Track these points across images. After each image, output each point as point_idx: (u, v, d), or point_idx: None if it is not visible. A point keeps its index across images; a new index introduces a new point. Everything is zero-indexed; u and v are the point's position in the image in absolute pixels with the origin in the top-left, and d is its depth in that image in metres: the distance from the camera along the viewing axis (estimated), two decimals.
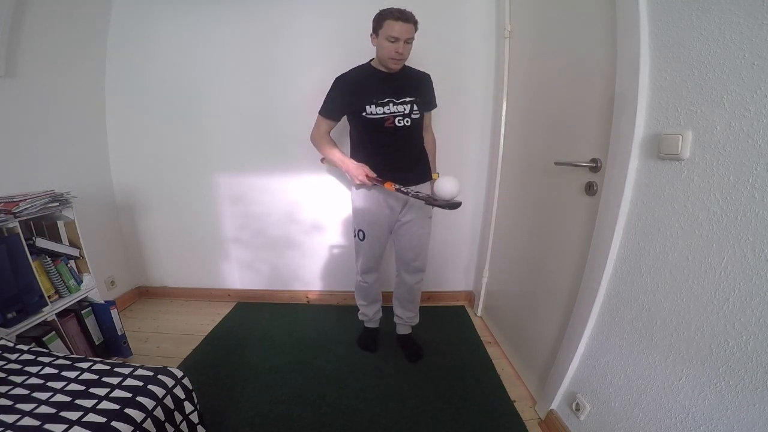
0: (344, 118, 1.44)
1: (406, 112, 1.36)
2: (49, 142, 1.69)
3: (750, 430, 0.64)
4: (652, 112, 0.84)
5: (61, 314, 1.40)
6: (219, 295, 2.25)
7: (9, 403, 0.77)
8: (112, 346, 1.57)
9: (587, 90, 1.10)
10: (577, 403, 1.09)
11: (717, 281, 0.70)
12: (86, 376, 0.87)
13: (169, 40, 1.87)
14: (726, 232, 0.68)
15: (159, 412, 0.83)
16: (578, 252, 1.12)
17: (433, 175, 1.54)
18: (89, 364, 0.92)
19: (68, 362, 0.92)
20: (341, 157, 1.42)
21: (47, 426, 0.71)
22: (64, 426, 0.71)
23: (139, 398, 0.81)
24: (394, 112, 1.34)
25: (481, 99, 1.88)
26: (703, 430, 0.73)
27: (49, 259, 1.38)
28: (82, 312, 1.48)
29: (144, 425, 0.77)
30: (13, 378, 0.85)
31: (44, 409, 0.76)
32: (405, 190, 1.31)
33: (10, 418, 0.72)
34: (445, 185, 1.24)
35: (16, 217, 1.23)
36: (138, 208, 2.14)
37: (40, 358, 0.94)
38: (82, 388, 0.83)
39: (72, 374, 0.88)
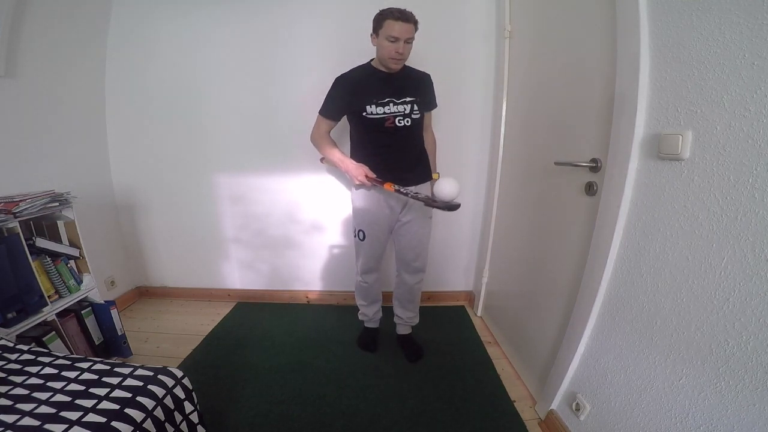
0: (344, 118, 1.44)
1: (407, 112, 1.36)
2: (49, 142, 1.69)
3: (750, 430, 0.64)
4: (652, 112, 0.84)
5: (61, 314, 1.40)
6: (219, 295, 2.25)
7: (9, 403, 0.77)
8: (112, 346, 1.57)
9: (587, 90, 1.10)
10: (577, 403, 1.09)
11: (717, 281, 0.70)
12: (86, 376, 0.87)
13: (169, 40, 1.88)
14: (726, 232, 0.68)
15: (159, 412, 0.83)
16: (578, 252, 1.12)
17: (434, 175, 1.55)
18: (89, 364, 0.92)
19: (68, 362, 0.92)
20: (341, 157, 1.42)
21: (47, 426, 0.71)
22: (64, 426, 0.71)
23: (139, 398, 0.81)
24: (395, 112, 1.34)
25: (481, 99, 1.88)
26: (703, 430, 0.73)
27: (49, 259, 1.38)
28: (82, 312, 1.48)
29: (144, 425, 0.77)
30: (13, 378, 0.85)
31: (44, 409, 0.76)
32: (404, 191, 1.31)
33: (10, 418, 0.72)
34: (444, 187, 1.23)
35: (16, 217, 1.23)
36: (138, 208, 2.14)
37: (40, 358, 0.94)
38: (82, 388, 0.83)
39: (72, 374, 0.88)
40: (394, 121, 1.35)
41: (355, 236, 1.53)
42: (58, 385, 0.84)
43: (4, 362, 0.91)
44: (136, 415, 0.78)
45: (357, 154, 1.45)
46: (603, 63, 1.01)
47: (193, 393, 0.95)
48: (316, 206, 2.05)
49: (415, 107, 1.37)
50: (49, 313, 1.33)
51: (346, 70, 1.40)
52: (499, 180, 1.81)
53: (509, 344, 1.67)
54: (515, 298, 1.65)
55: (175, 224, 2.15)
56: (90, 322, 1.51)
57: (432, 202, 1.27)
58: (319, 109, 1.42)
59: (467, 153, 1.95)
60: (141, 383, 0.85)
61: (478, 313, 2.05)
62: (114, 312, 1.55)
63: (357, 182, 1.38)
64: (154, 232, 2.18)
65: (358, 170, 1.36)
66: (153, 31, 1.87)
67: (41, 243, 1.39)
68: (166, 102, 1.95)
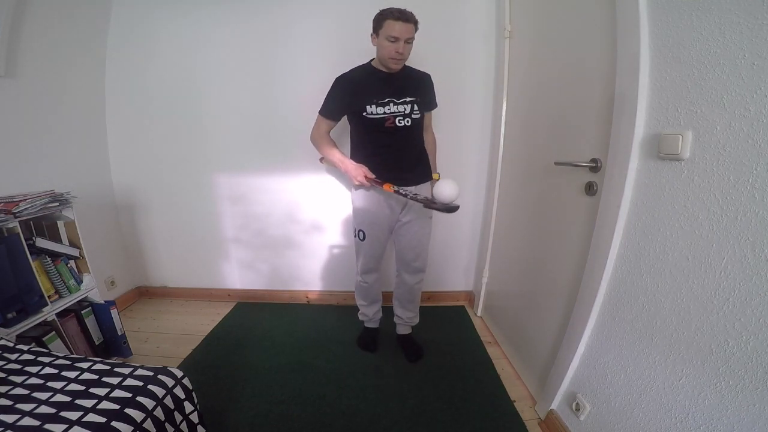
0: (344, 118, 1.44)
1: (407, 112, 1.36)
2: (49, 142, 1.69)
3: (750, 430, 0.64)
4: (652, 112, 0.84)
5: (61, 314, 1.40)
6: (219, 295, 2.25)
7: (9, 403, 0.77)
8: (112, 346, 1.57)
9: (587, 90, 1.10)
10: (577, 403, 1.09)
11: (717, 281, 0.70)
12: (86, 376, 0.87)
13: (169, 40, 1.88)
14: (726, 232, 0.68)
15: (159, 412, 0.83)
16: (578, 252, 1.12)
17: (434, 176, 1.54)
18: (89, 364, 0.92)
19: (68, 362, 0.92)
20: (341, 157, 1.42)
21: (47, 426, 0.71)
22: (64, 426, 0.71)
23: (139, 398, 0.81)
24: (395, 112, 1.34)
25: (481, 99, 1.88)
26: (703, 430, 0.73)
27: (49, 259, 1.38)
28: (82, 312, 1.48)
29: (144, 425, 0.77)
30: (13, 378, 0.85)
31: (44, 409, 0.76)
32: (403, 192, 1.31)
33: (10, 418, 0.72)
34: (444, 189, 1.23)
35: (16, 217, 1.23)
36: (138, 208, 2.14)
37: (40, 358, 0.93)
38: (82, 388, 0.83)
39: (72, 374, 0.88)
40: (394, 121, 1.35)
41: (355, 236, 1.53)
42: (58, 385, 0.84)
43: (4, 362, 0.91)
44: (136, 415, 0.78)
45: (357, 154, 1.45)
46: (603, 63, 1.01)
47: (193, 393, 0.95)
48: (316, 206, 2.05)
49: (415, 107, 1.37)
50: (49, 313, 1.33)
51: (346, 70, 1.40)
52: (499, 180, 1.81)
53: (509, 344, 1.67)
54: (515, 298, 1.65)
55: (175, 224, 2.15)
56: (90, 322, 1.51)
57: (431, 204, 1.27)
58: (319, 109, 1.42)
59: (467, 153, 1.95)
60: (141, 383, 0.85)
61: (478, 313, 2.05)
62: (114, 312, 1.55)
63: (356, 183, 1.38)
64: (154, 232, 2.18)
65: (358, 171, 1.36)
66: (153, 31, 1.87)
67: (41, 243, 1.39)
68: (166, 102, 1.95)
